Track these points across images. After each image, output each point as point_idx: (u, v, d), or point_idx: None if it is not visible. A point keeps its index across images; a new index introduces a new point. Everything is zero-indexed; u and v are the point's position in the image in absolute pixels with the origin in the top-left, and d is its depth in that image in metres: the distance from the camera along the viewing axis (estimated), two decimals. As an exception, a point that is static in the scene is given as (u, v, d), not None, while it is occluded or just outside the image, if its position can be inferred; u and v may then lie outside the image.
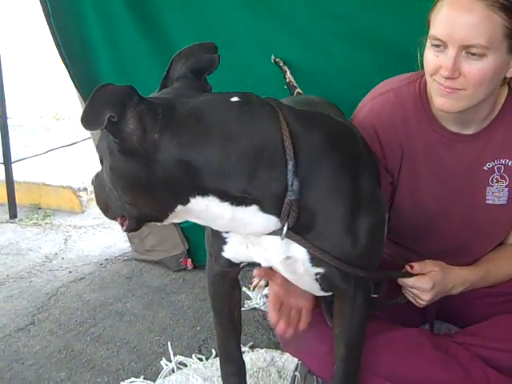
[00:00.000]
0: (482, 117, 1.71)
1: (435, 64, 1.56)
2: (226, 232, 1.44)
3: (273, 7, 2.56)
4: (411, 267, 1.69)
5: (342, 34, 2.51)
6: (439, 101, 1.61)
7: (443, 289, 1.73)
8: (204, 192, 1.23)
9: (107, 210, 1.40)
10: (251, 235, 1.37)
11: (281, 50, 2.59)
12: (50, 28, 2.68)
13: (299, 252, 1.38)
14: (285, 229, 1.30)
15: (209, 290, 1.71)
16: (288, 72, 2.55)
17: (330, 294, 1.57)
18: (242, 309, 2.40)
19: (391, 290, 1.75)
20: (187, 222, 2.77)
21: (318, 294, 1.58)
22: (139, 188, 1.24)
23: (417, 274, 1.70)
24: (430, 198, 1.82)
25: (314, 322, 1.72)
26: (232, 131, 1.23)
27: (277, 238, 1.33)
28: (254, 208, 1.26)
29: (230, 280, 1.66)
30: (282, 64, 2.58)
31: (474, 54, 1.54)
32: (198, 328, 2.39)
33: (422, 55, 1.68)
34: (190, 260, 2.87)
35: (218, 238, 1.47)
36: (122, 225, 1.36)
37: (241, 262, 1.52)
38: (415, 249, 1.92)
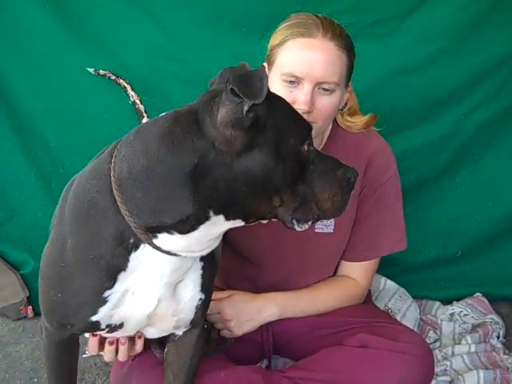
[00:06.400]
0: None
1: (291, 99, 1.60)
2: (110, 289, 1.34)
3: (102, 45, 2.56)
4: None
5: (178, 75, 2.55)
6: None
7: (250, 312, 1.87)
8: None
9: None
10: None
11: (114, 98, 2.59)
12: None
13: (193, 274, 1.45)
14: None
15: (51, 356, 1.61)
16: (129, 88, 2.41)
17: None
18: (84, 355, 2.30)
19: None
20: (27, 268, 2.73)
21: (164, 334, 1.59)
22: None
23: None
24: (261, 228, 1.88)
25: (147, 365, 1.72)
26: None
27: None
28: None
29: (75, 340, 1.60)
30: (113, 77, 2.43)
31: (325, 90, 1.70)
32: (36, 380, 2.28)
33: None
34: (30, 307, 2.74)
35: (92, 303, 1.37)
36: None
37: (107, 326, 1.43)
38: (252, 278, 1.99)
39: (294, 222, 1.32)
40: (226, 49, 2.47)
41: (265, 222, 1.35)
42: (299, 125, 1.33)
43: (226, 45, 2.49)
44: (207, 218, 1.25)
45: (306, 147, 1.30)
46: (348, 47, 1.75)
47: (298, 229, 1.33)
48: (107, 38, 2.54)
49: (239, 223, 1.30)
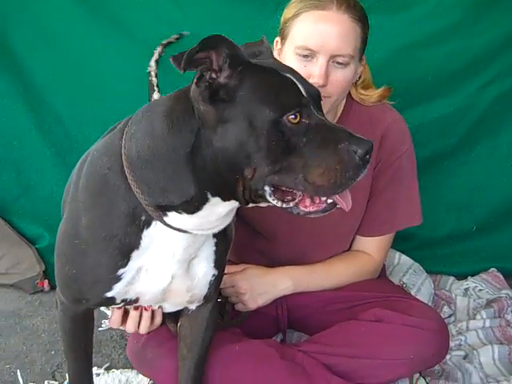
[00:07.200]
0: None
1: (306, 74, 1.58)
2: (124, 267, 1.36)
3: (117, 20, 2.55)
4: None
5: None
6: None
7: (264, 285, 1.88)
8: None
9: None
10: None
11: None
12: None
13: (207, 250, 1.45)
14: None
15: (66, 330, 1.62)
16: (153, 58, 2.41)
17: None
18: (100, 329, 2.36)
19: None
20: (43, 242, 2.75)
21: (178, 309, 1.59)
22: None
23: None
24: None
25: (162, 339, 1.75)
26: None
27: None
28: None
29: (90, 313, 1.62)
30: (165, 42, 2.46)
31: (339, 63, 1.69)
32: (53, 352, 2.30)
33: None
34: (46, 281, 2.77)
35: (106, 280, 1.38)
36: None
37: (122, 300, 1.45)
38: (265, 253, 2.00)
39: (269, 192, 1.23)
40: (240, 23, 2.45)
41: (263, 205, 1.28)
42: (281, 95, 1.21)
43: (240, 19, 2.47)
44: (207, 200, 1.25)
45: (290, 118, 1.19)
46: (362, 19, 1.73)
47: (273, 202, 1.24)
48: (122, 13, 2.53)
49: (234, 204, 1.29)
